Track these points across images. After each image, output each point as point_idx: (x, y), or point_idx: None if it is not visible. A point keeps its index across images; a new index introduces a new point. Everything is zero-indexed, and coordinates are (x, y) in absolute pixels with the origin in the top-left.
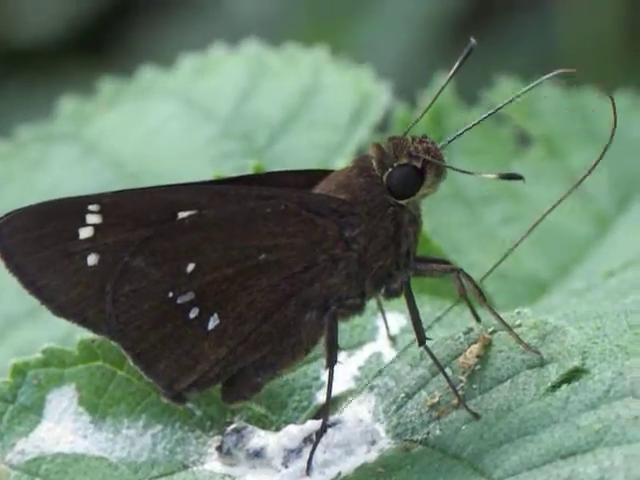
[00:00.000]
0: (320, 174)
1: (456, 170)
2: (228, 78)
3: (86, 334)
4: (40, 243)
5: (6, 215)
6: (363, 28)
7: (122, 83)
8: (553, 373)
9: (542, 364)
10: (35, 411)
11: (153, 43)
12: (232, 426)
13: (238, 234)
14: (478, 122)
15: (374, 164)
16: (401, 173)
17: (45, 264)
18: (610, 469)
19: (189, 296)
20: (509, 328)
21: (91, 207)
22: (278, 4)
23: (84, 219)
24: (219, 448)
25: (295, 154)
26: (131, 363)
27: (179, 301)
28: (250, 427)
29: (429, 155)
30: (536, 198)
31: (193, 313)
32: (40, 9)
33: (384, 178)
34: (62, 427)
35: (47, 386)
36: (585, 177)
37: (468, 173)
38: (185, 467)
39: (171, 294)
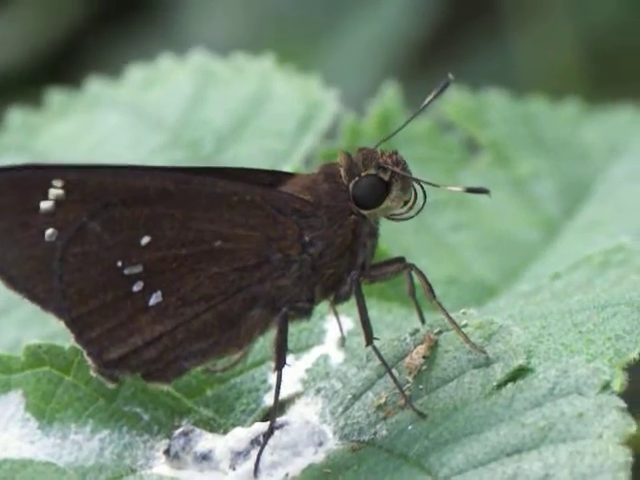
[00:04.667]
0: (285, 176)
1: (422, 182)
2: (176, 87)
3: (33, 340)
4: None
5: None
6: (327, 54)
7: (70, 95)
8: (499, 372)
9: (488, 363)
10: None
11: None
12: (179, 430)
13: (200, 216)
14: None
15: (341, 172)
16: (368, 183)
17: (1, 234)
18: (555, 466)
19: (137, 269)
20: (457, 326)
21: (55, 182)
22: (243, 29)
23: (46, 192)
24: (167, 452)
25: (243, 162)
26: (64, 327)
27: (126, 272)
28: (198, 430)
29: (397, 169)
30: (483, 205)
31: (137, 286)
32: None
33: (350, 186)
34: (9, 433)
35: None
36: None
37: (434, 185)
38: (133, 471)
39: (120, 263)
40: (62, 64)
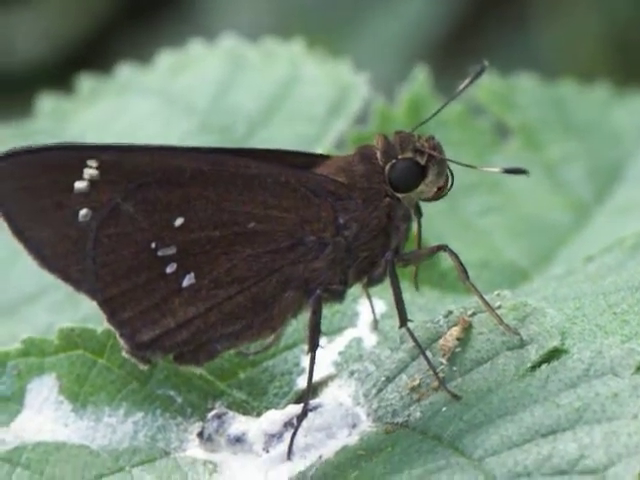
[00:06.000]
0: (319, 158)
1: (459, 164)
2: (206, 72)
3: (65, 324)
4: (33, 192)
5: (2, 156)
6: (351, 44)
7: (100, 81)
8: (533, 353)
9: (522, 345)
10: (16, 401)
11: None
12: (213, 412)
13: (234, 198)
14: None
15: (378, 154)
16: (404, 166)
17: (36, 214)
18: (590, 446)
19: (171, 250)
20: (490, 307)
21: (90, 162)
22: (268, 21)
23: (81, 172)
24: (200, 434)
25: (274, 146)
26: (97, 307)
27: (159, 253)
28: (231, 413)
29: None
30: (514, 189)
31: (170, 268)
32: (27, 33)
33: (386, 168)
34: (43, 416)
35: (27, 376)
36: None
37: (471, 167)
38: (167, 454)
39: (154, 245)
40: (89, 58)
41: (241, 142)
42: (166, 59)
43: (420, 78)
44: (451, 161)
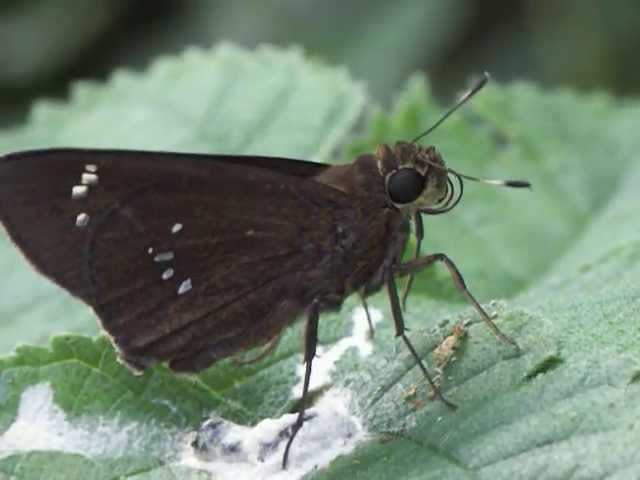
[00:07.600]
0: (319, 166)
1: (460, 176)
2: (203, 81)
3: (61, 332)
4: (31, 196)
5: (1, 159)
6: (350, 58)
7: (96, 89)
8: (529, 363)
9: (518, 354)
10: (10, 410)
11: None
12: (208, 421)
13: (232, 204)
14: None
15: (378, 164)
16: (405, 176)
17: (34, 218)
18: (585, 456)
19: (168, 256)
20: (487, 317)
21: (89, 167)
22: (266, 30)
23: (79, 177)
24: (195, 444)
25: (270, 155)
26: (92, 312)
27: (157, 259)
28: (226, 422)
29: (435, 164)
30: (511, 199)
31: (167, 274)
32: (25, 43)
33: (387, 178)
34: (37, 425)
35: (22, 384)
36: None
37: (472, 179)
38: (161, 463)
39: (151, 250)
40: (86, 66)
41: (237, 151)
42: (163, 67)
43: (417, 86)
44: (452, 172)
